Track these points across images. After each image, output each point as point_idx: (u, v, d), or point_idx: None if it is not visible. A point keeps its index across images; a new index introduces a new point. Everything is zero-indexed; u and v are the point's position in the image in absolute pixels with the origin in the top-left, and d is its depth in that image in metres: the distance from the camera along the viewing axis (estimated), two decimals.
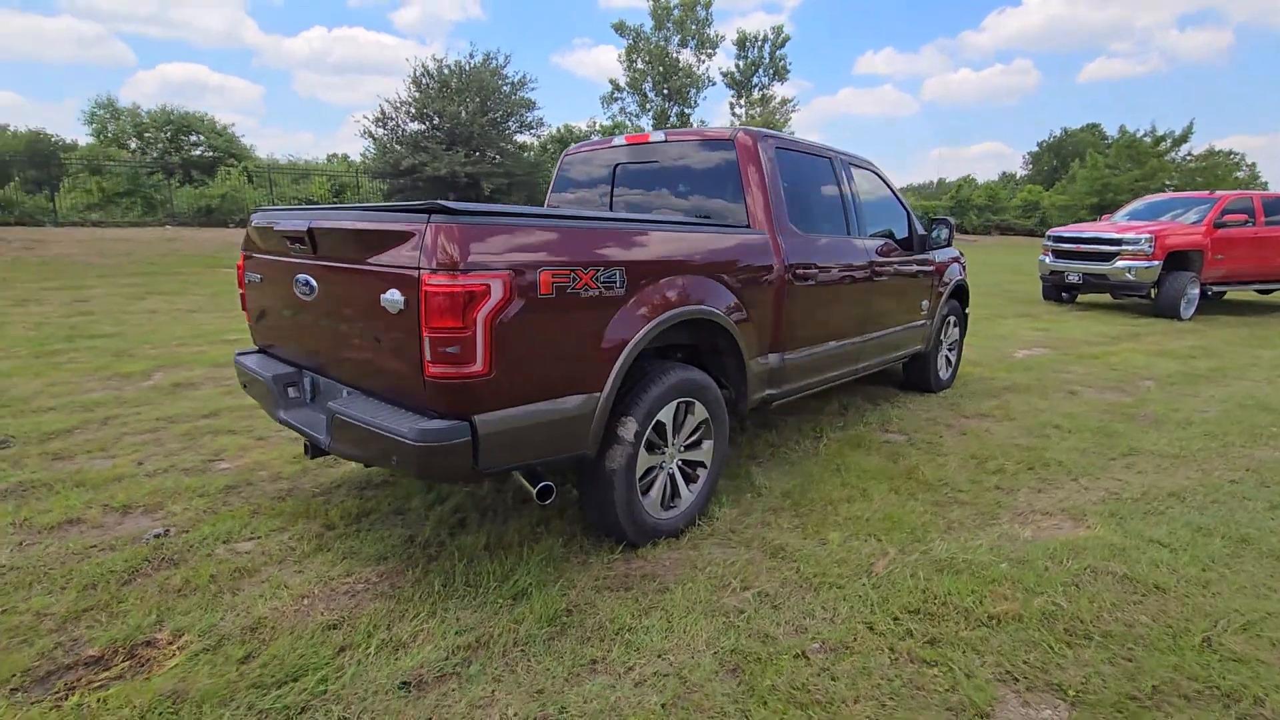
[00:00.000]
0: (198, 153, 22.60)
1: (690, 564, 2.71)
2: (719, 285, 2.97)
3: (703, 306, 2.84)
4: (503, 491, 3.37)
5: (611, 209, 3.98)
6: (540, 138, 26.47)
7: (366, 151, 22.89)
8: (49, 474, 3.47)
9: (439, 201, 2.10)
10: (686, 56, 33.14)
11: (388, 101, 22.12)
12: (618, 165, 3.96)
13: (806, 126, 78.54)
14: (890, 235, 4.59)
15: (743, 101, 35.96)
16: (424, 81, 22.37)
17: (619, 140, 3.98)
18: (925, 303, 4.97)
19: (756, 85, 36.18)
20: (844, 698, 1.95)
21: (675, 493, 2.97)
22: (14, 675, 1.98)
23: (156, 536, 2.83)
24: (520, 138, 25.58)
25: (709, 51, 33.60)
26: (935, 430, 4.51)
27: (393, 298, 2.14)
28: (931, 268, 4.99)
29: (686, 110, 33.16)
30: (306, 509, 3.11)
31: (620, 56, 32.84)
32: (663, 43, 32.23)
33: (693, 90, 32.88)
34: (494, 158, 22.95)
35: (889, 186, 4.72)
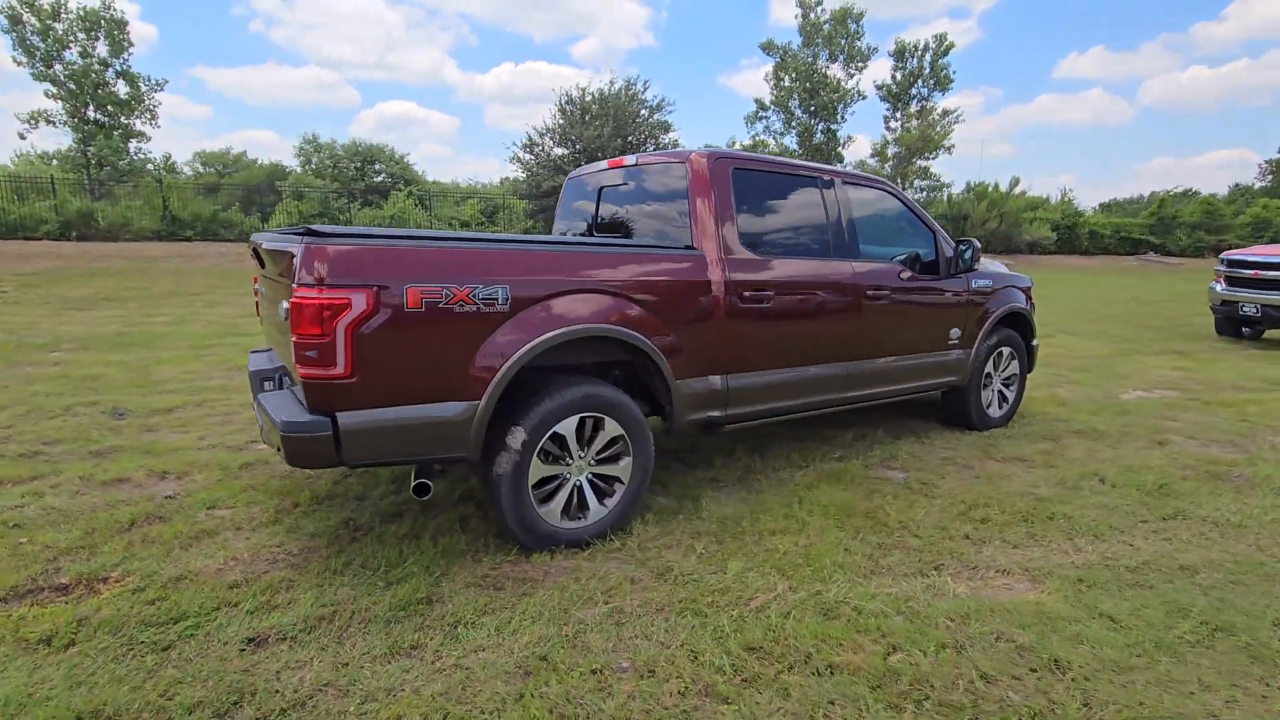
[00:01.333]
0: (379, 179, 26.03)
1: (573, 574, 2.79)
2: (630, 304, 3.04)
3: (604, 325, 2.92)
4: (455, 488, 3.65)
5: (595, 228, 4.15)
6: None
7: (516, 175, 24.92)
8: (132, 442, 4.32)
9: (311, 226, 2.43)
10: (835, 71, 32.19)
11: (534, 129, 24.02)
12: (602, 187, 4.13)
13: (995, 136, 72.01)
14: (910, 259, 4.29)
15: (898, 115, 34.13)
16: (568, 109, 23.94)
17: (603, 164, 4.15)
18: (956, 331, 4.55)
19: (915, 97, 34.17)
20: (606, 716, 1.95)
21: (584, 505, 3.06)
22: (2, 589, 2.58)
23: (166, 498, 3.45)
24: None
25: (860, 65, 32.37)
26: (944, 470, 4.12)
27: (283, 308, 2.49)
28: (965, 293, 4.56)
29: (834, 126, 32.16)
30: (288, 487, 3.60)
31: (767, 75, 32.72)
32: (811, 59, 31.57)
33: (841, 105, 31.80)
34: None
35: (909, 207, 4.41)
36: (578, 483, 3.04)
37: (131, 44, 21.40)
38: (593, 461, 3.07)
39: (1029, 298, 5.21)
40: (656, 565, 2.87)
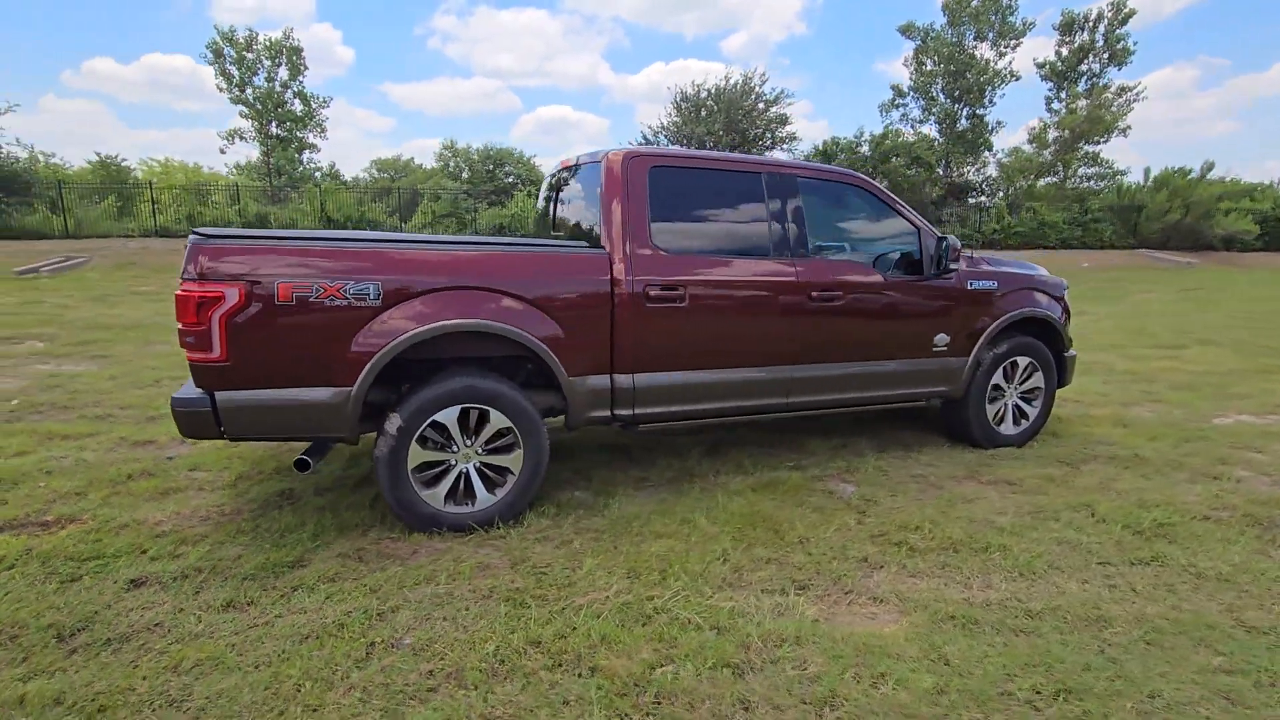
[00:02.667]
0: (509, 180, 27.74)
1: (439, 555, 2.95)
2: (514, 301, 3.12)
3: (479, 321, 3.04)
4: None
5: (552, 224, 4.24)
6: (790, 150, 26.20)
7: None
8: None
9: (197, 229, 2.78)
10: (984, 51, 29.34)
11: (649, 127, 24.36)
12: (559, 186, 4.23)
13: (1216, 113, 61.73)
14: (881, 257, 3.98)
15: (1062, 95, 30.43)
16: (684, 106, 24.01)
17: (557, 164, 4.24)
18: (943, 336, 4.13)
19: (1084, 75, 30.31)
20: (345, 683, 2.09)
21: (471, 492, 3.20)
22: (2, 520, 3.21)
23: (166, 459, 4.06)
24: (775, 153, 25.65)
25: (1012, 42, 29.20)
26: (902, 489, 3.78)
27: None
28: (957, 295, 4.13)
29: (980, 110, 29.32)
30: (264, 459, 4.09)
31: (906, 59, 30.51)
32: (955, 39, 29.02)
33: (989, 88, 28.92)
34: None
35: (885, 202, 4.06)
36: (464, 470, 3.19)
37: (306, 67, 24.78)
38: (480, 451, 3.20)
39: (1062, 303, 4.58)
40: (518, 555, 2.95)
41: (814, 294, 3.72)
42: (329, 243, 2.97)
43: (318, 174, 26.87)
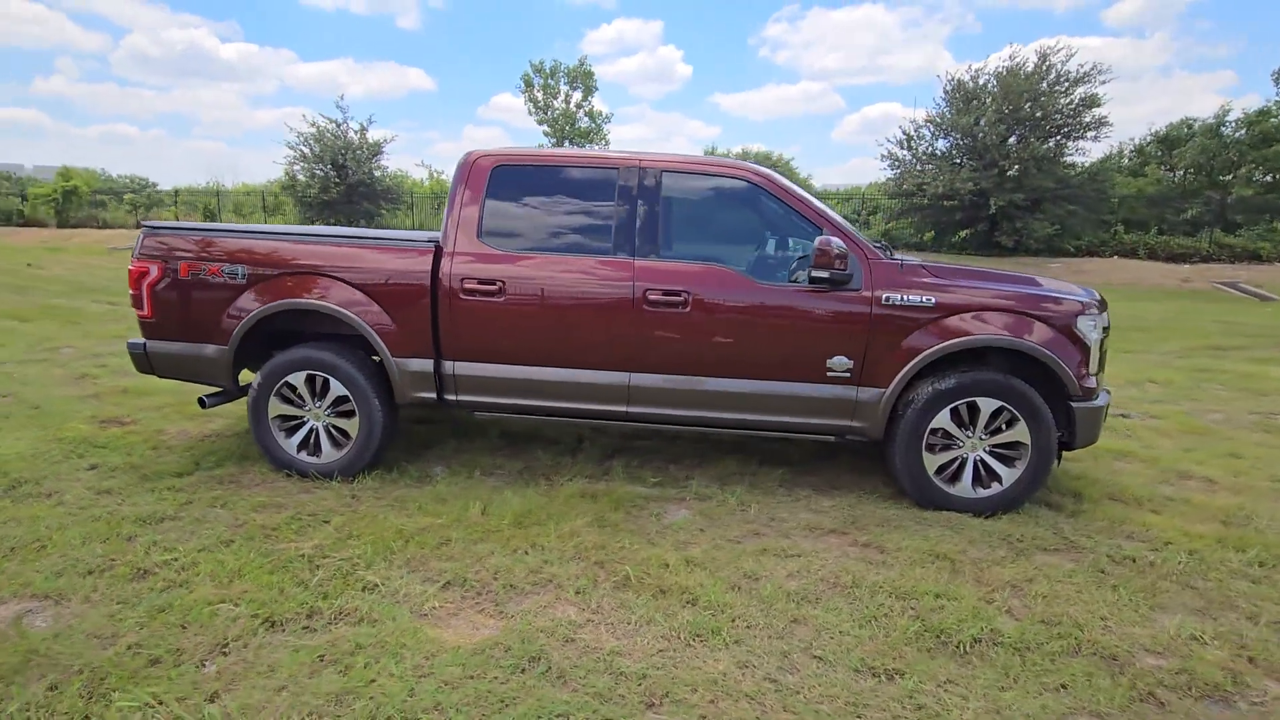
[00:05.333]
0: None
1: (261, 491, 3.59)
2: (346, 286, 3.60)
3: (313, 301, 3.59)
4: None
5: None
6: (1099, 139, 20.94)
7: (886, 173, 23.05)
8: None
9: (146, 221, 3.83)
10: None
11: (912, 121, 21.86)
12: None
13: None
14: (759, 261, 3.50)
15: None
16: (955, 95, 21.04)
17: None
18: (843, 360, 3.42)
19: None
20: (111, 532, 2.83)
21: (318, 446, 3.80)
22: (103, 417, 4.79)
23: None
24: (1082, 143, 20.96)
25: None
26: (733, 526, 3.30)
27: None
28: (866, 310, 3.38)
29: None
30: None
31: None
32: None
33: None
34: (1015, 170, 19.64)
35: (785, 201, 3.50)
36: (314, 427, 3.79)
37: (596, 88, 28.20)
38: (328, 413, 3.77)
39: (1069, 333, 3.36)
40: (306, 503, 3.44)
41: (652, 297, 3.45)
42: (220, 233, 3.82)
43: None
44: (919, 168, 21.98)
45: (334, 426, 3.79)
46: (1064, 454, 3.93)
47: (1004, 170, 20.07)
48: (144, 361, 3.87)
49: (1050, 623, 2.55)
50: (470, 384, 3.66)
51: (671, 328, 3.48)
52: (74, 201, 31.71)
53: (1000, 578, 2.88)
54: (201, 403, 3.91)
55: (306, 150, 26.05)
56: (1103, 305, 3.59)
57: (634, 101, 74.60)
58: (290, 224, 24.54)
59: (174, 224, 3.94)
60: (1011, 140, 21.04)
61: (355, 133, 26.54)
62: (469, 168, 3.65)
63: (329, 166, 25.69)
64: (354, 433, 3.74)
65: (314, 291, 3.63)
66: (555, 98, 28.54)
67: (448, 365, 3.65)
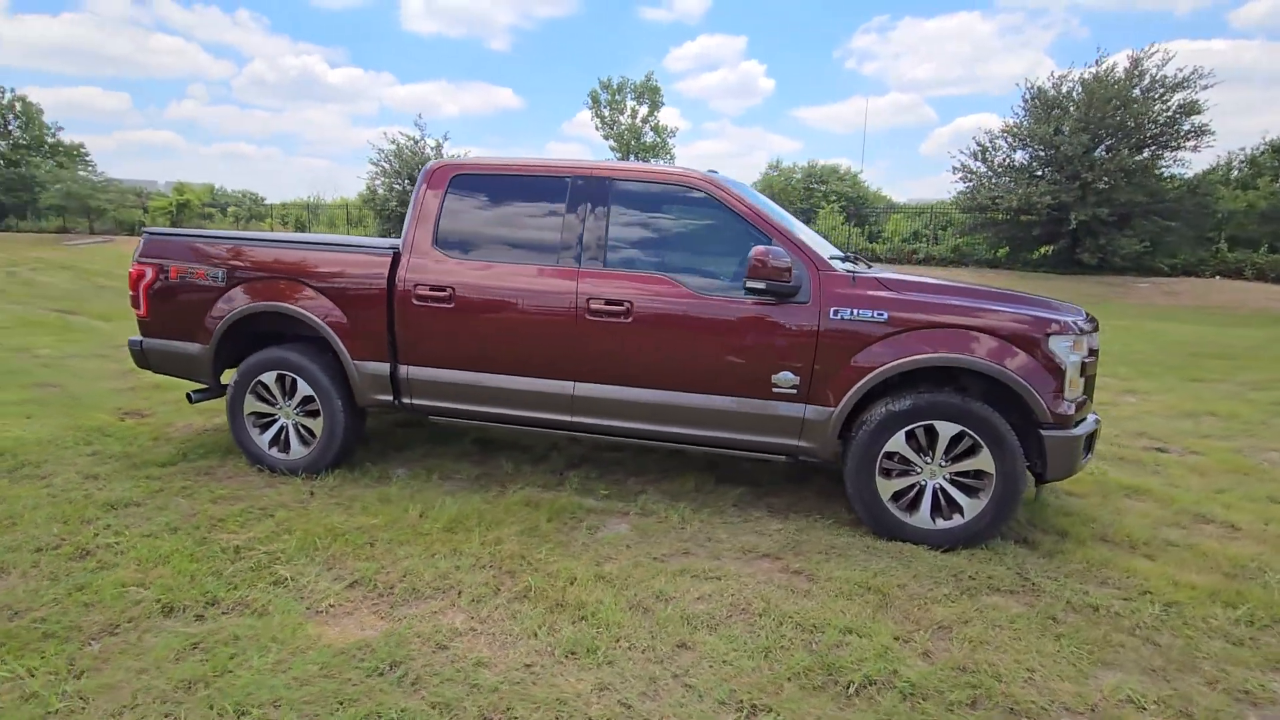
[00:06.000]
0: (831, 197, 26.85)
1: (229, 483, 3.78)
2: (311, 290, 3.75)
3: (282, 305, 3.76)
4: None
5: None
6: (1199, 149, 19.05)
7: (958, 188, 21.84)
8: None
9: (147, 227, 4.12)
10: None
11: (988, 132, 20.65)
12: None
13: None
14: (708, 273, 3.41)
15: None
16: (1035, 104, 19.77)
17: None
18: (789, 375, 3.27)
19: None
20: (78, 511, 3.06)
21: (288, 444, 3.97)
22: (126, 407, 5.18)
23: None
24: (1180, 154, 19.22)
25: None
26: (666, 544, 3.20)
27: None
28: (813, 324, 3.22)
29: None
30: None
31: None
32: None
33: None
34: (1102, 183, 18.13)
35: (735, 211, 3.39)
36: (285, 425, 3.96)
37: (662, 103, 28.46)
38: (297, 412, 3.93)
39: (1040, 352, 3.08)
40: (264, 498, 3.58)
41: (594, 306, 3.41)
42: (203, 239, 4.07)
43: None
44: (994, 180, 20.83)
45: (302, 425, 3.95)
46: (1050, 485, 3.61)
47: (1087, 183, 18.69)
48: (141, 357, 4.16)
49: (964, 669, 2.32)
50: (423, 388, 3.72)
51: (614, 338, 3.43)
52: (186, 213, 34.82)
53: (931, 617, 2.65)
54: (189, 398, 4.16)
55: (386, 165, 27.54)
56: (1086, 327, 3.27)
57: (715, 117, 74.76)
58: (368, 235, 25.98)
59: (169, 230, 4.24)
60: (1100, 151, 19.63)
61: (432, 149, 27.82)
62: (429, 177, 3.74)
63: (405, 180, 27.04)
64: (319, 432, 3.88)
65: (282, 295, 3.80)
66: (622, 113, 29.01)
67: (403, 369, 3.73)
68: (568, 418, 3.59)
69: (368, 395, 3.82)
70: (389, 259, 3.70)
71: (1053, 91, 19.99)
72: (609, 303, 3.41)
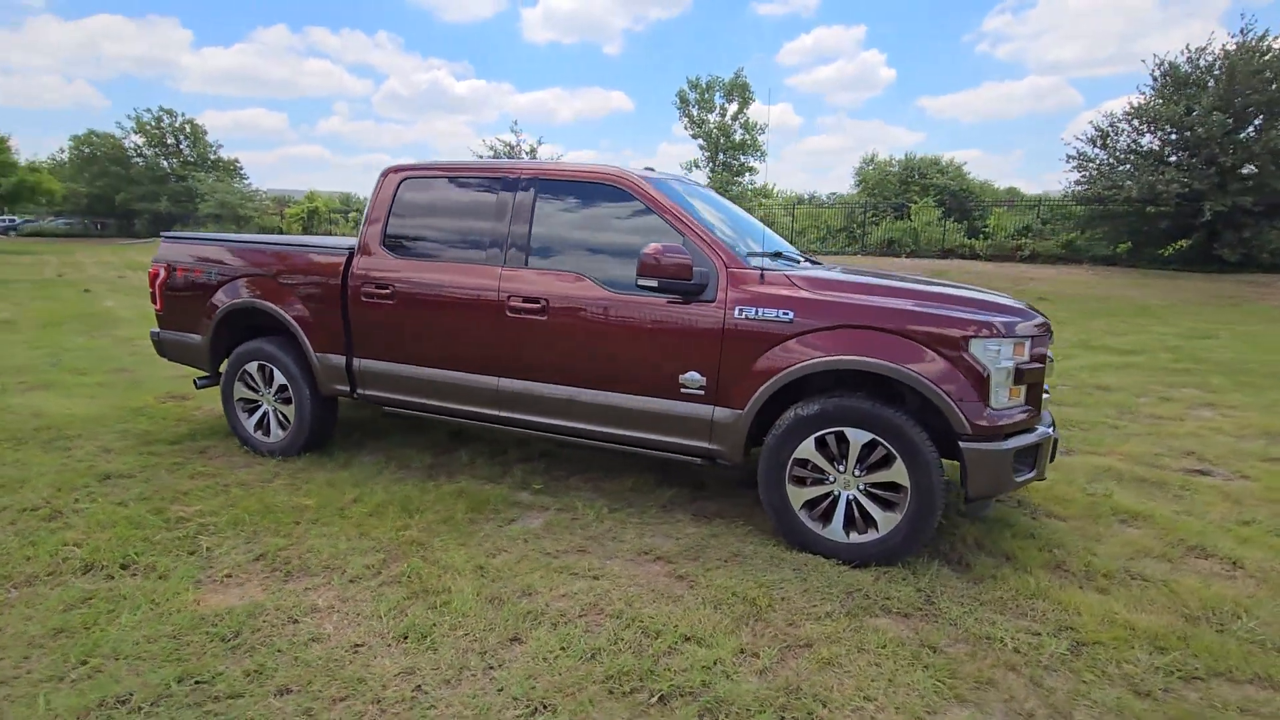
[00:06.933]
0: (929, 189, 25.04)
1: (208, 462, 4.19)
2: (279, 287, 4.07)
3: (257, 301, 4.11)
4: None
5: None
6: None
7: (1077, 177, 19.60)
8: None
9: (166, 232, 4.63)
10: None
11: (1108, 115, 18.41)
12: None
13: None
14: (612, 268, 3.37)
15: None
16: (1165, 82, 17.41)
17: None
18: (696, 376, 3.17)
19: None
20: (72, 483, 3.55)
21: (269, 429, 4.33)
22: (162, 395, 5.85)
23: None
24: None
25: None
26: (568, 539, 3.20)
27: None
28: (718, 323, 3.11)
29: None
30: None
31: None
32: None
33: None
34: (1250, 167, 15.64)
35: (653, 208, 3.33)
36: (267, 410, 4.33)
37: (753, 99, 27.98)
38: (276, 400, 4.29)
39: (963, 357, 2.80)
40: (233, 475, 3.93)
41: (513, 303, 3.47)
42: (201, 242, 4.51)
43: (749, 193, 30.08)
44: (1115, 168, 18.70)
45: (280, 411, 4.30)
46: (1031, 503, 3.28)
47: (1227, 168, 16.36)
48: (159, 347, 4.69)
49: (793, 691, 2.18)
50: (370, 379, 3.94)
51: (532, 335, 3.48)
52: (315, 219, 38.52)
53: (797, 633, 2.50)
54: (195, 384, 4.64)
55: None
56: (1028, 331, 2.94)
57: (830, 111, 72.39)
58: None
59: (181, 234, 4.75)
60: (1248, 132, 17.15)
61: (526, 152, 28.97)
62: (382, 179, 3.96)
63: None
64: (293, 418, 4.21)
65: (259, 292, 4.16)
66: (710, 112, 28.80)
67: (356, 362, 3.97)
68: (495, 412, 3.68)
69: (329, 385, 4.09)
70: (344, 258, 3.96)
71: (1187, 67, 17.66)
72: (527, 300, 3.46)
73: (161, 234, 4.81)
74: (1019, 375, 2.88)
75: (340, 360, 4.01)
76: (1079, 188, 19.48)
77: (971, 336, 2.81)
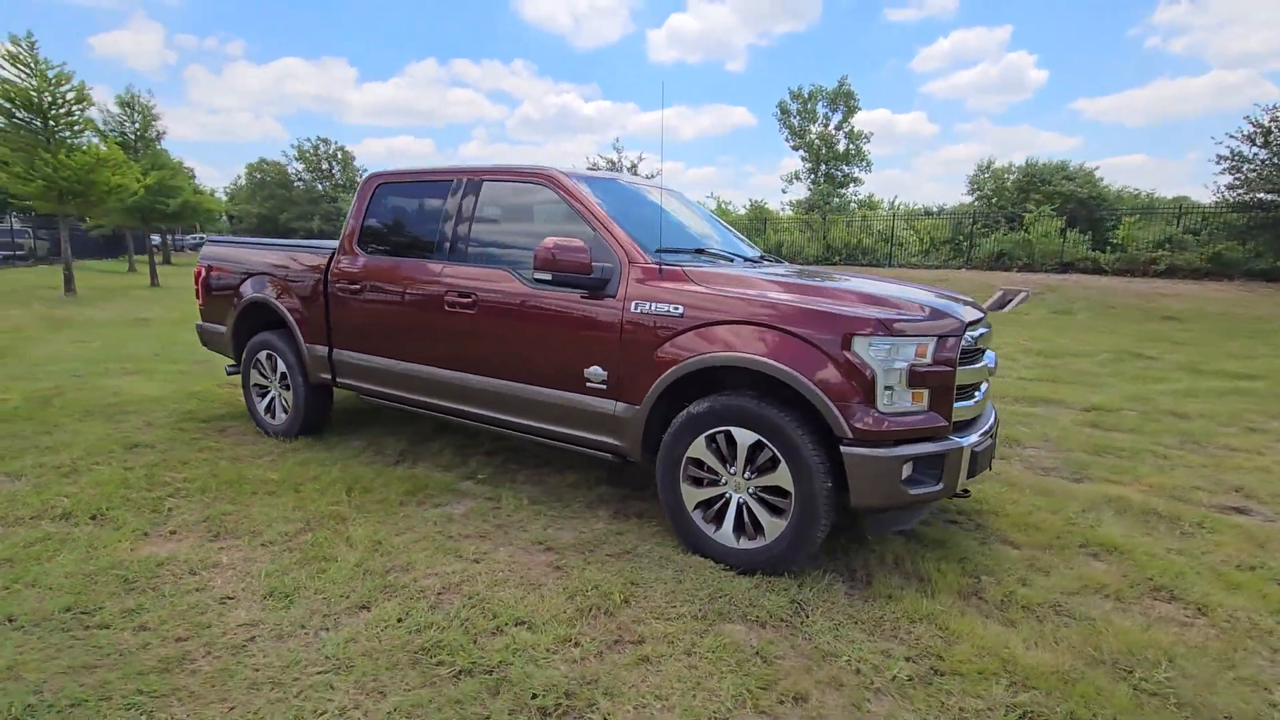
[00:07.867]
0: (1055, 199, 22.69)
1: (234, 436, 4.73)
2: (281, 285, 4.53)
3: (262, 295, 4.60)
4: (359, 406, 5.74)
5: None
6: None
7: (1230, 180, 16.91)
8: None
9: (208, 236, 5.27)
10: None
11: (1267, 109, 15.68)
12: None
13: None
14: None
15: None
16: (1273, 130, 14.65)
17: None
18: (598, 370, 3.20)
19: None
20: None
21: (275, 412, 4.82)
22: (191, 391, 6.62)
23: None
24: None
25: None
26: (503, 531, 3.33)
27: None
28: (617, 319, 3.12)
29: None
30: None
31: None
32: None
33: None
34: None
35: (570, 202, 3.39)
36: (274, 395, 4.83)
37: (858, 107, 26.99)
38: (280, 386, 4.77)
39: (835, 353, 2.63)
40: (233, 450, 4.42)
41: (449, 299, 3.66)
42: (226, 244, 5.09)
43: (853, 204, 28.83)
44: (1278, 169, 16.14)
45: (283, 397, 4.77)
46: (995, 525, 3.03)
47: None
48: (200, 336, 5.36)
49: (586, 682, 2.16)
50: (344, 368, 4.29)
51: (463, 328, 3.65)
52: None
53: (634, 630, 2.46)
54: (227, 371, 5.24)
55: None
56: (937, 329, 2.71)
57: (969, 117, 68.11)
58: None
59: (220, 238, 5.40)
60: None
61: (629, 168, 29.67)
62: (362, 184, 4.32)
63: None
64: (290, 404, 4.66)
65: (265, 289, 4.66)
66: (813, 122, 28.07)
67: (335, 352, 4.34)
68: (439, 402, 3.88)
69: (317, 374, 4.49)
70: (327, 257, 4.35)
71: None
72: (460, 294, 3.64)
73: (206, 238, 5.50)
74: (919, 378, 2.66)
75: (324, 351, 4.40)
76: (1232, 193, 17.02)
77: (854, 334, 2.63)
